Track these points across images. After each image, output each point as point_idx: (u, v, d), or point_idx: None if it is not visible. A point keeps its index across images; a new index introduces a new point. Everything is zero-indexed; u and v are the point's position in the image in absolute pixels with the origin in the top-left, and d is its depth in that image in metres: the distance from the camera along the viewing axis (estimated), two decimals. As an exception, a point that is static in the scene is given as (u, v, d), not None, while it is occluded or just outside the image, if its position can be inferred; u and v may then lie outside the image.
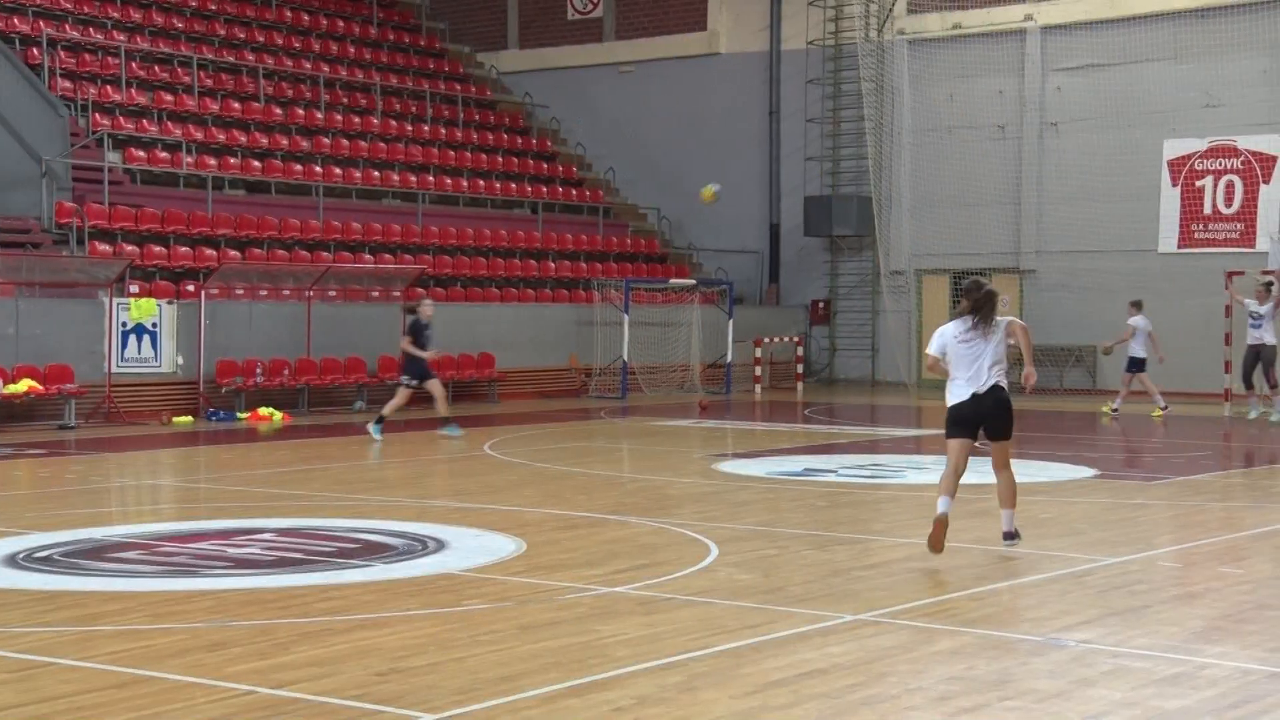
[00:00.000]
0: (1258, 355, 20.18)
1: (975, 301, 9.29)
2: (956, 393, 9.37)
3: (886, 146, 28.63)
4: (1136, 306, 21.72)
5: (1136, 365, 21.51)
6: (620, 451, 16.97)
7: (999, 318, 9.31)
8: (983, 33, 27.71)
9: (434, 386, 17.67)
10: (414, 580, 8.37)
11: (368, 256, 24.60)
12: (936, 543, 9.08)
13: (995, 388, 9.31)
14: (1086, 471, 14.24)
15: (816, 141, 30.18)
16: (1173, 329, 25.00)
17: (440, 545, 9.58)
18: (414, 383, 17.47)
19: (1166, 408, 21.20)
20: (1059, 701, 5.80)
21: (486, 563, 8.95)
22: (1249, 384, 20.28)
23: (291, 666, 6.24)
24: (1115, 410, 21.51)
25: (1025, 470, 14.68)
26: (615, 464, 15.55)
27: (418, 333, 17.47)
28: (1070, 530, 10.54)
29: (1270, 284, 20.67)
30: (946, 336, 9.41)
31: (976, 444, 9.56)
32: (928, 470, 14.78)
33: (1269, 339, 20.18)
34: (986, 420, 9.35)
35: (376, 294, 23.51)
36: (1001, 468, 9.48)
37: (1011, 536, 9.47)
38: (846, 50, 29.43)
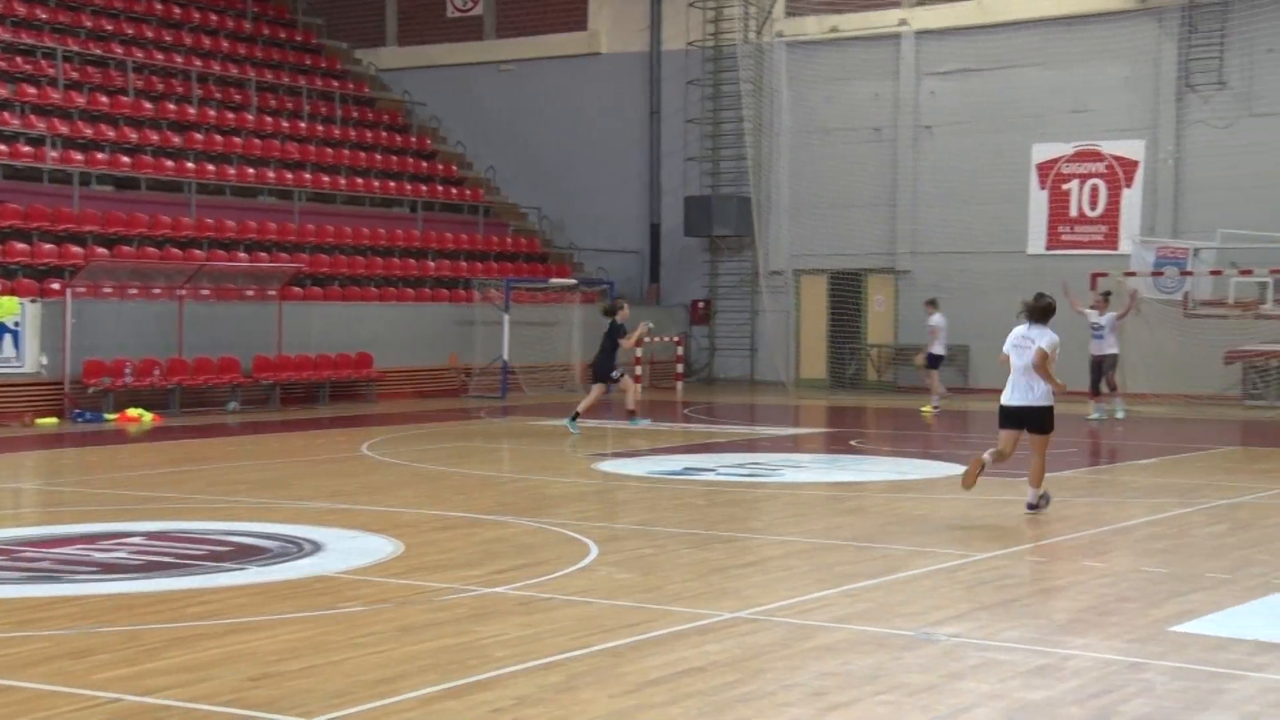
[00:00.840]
0: (1100, 365, 20.64)
1: (1029, 311, 10.99)
2: (1005, 392, 11.14)
3: (766, 147, 28.93)
4: (933, 305, 22.29)
5: (934, 362, 22.26)
6: (500, 451, 16.89)
7: (1041, 328, 10.96)
8: (859, 36, 28.13)
9: (626, 382, 19.25)
10: (289, 583, 8.25)
11: (242, 255, 24.17)
12: (969, 478, 11.16)
13: (1026, 400, 11.01)
14: (958, 469, 14.50)
15: (697, 142, 30.36)
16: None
17: (316, 547, 9.46)
18: (617, 375, 18.74)
19: (938, 406, 21.89)
20: (929, 695, 5.93)
21: (364, 564, 8.85)
22: (1097, 390, 20.75)
23: (161, 672, 6.11)
24: (936, 407, 21.95)
25: (900, 468, 14.97)
26: (495, 464, 15.47)
27: (616, 334, 18.72)
28: (943, 526, 10.76)
29: (1109, 293, 21.26)
30: (1011, 338, 11.16)
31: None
32: (805, 469, 14.96)
33: (1109, 349, 20.58)
34: (1024, 420, 11.09)
35: (251, 293, 23.12)
36: (1035, 453, 11.13)
37: (1033, 507, 11.14)
38: (726, 51, 29.65)
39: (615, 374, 18.93)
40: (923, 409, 22.08)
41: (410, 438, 17.82)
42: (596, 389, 18.82)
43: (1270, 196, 24.31)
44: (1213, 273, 23.52)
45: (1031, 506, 11.13)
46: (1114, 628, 7.24)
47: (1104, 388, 20.72)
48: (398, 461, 14.95)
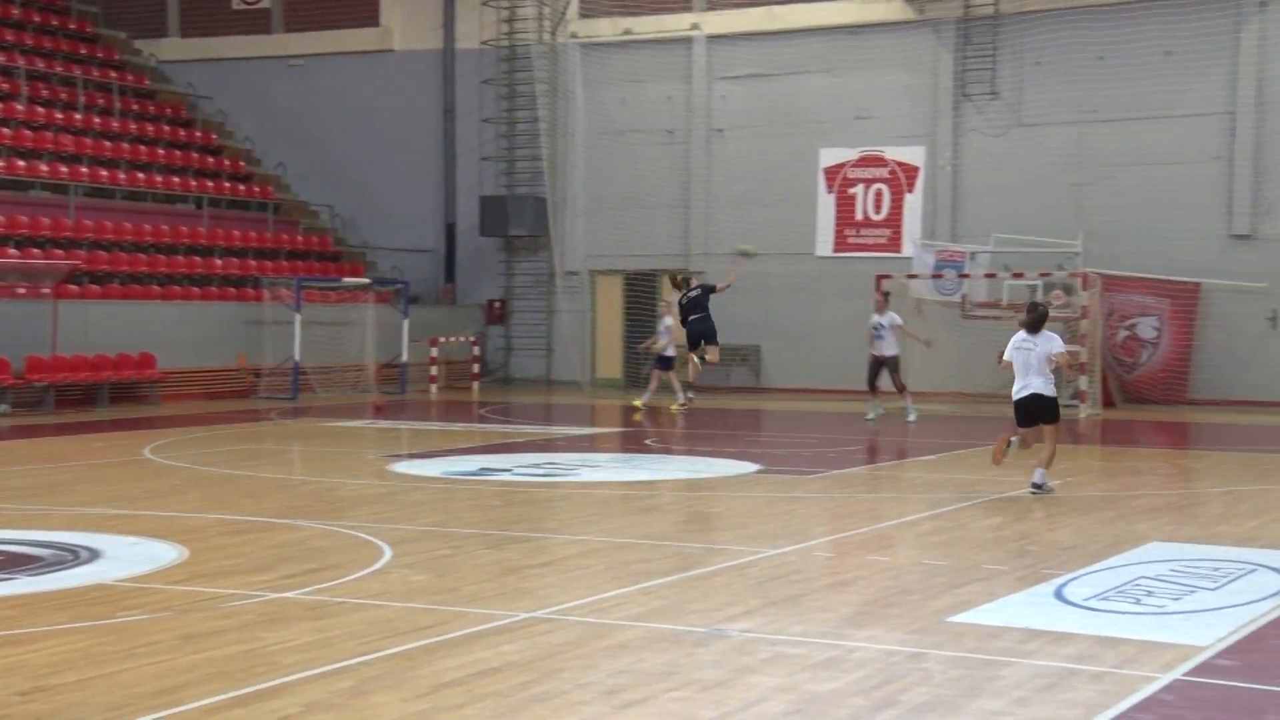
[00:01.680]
0: (881, 364, 21.05)
1: (1029, 324, 12.25)
2: (1016, 390, 12.34)
3: (561, 148, 28.99)
4: (669, 306, 22.47)
5: (665, 364, 22.69)
6: (291, 453, 16.60)
7: (1044, 334, 12.23)
8: (652, 39, 28.43)
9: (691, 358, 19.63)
10: (63, 592, 7.90)
11: (13, 251, 23.04)
12: (996, 455, 12.63)
13: (1035, 394, 12.19)
14: (750, 467, 14.82)
15: (492, 142, 30.24)
16: (827, 328, 26.40)
17: (94, 555, 9.08)
18: (705, 351, 19.15)
19: (686, 403, 22.08)
20: (721, 690, 6.02)
21: (145, 571, 8.54)
22: (873, 388, 21.20)
23: (-76, 693, 5.78)
24: (685, 404, 22.21)
25: (693, 466, 15.19)
26: (285, 466, 15.19)
27: (707, 296, 19.45)
28: (735, 524, 10.95)
29: (888, 294, 21.87)
30: (1012, 343, 12.33)
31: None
32: (601, 469, 15.05)
33: (889, 350, 20.98)
34: (1039, 412, 12.30)
35: (23, 291, 22.06)
36: (1049, 440, 12.34)
37: (1038, 487, 12.28)
38: (520, 51, 29.60)
39: (699, 351, 19.24)
40: (672, 407, 22.18)
41: (196, 440, 17.29)
42: (692, 364, 19.24)
43: (1038, 202, 25.39)
44: (987, 275, 24.44)
45: (1037, 486, 12.30)
46: (896, 620, 7.47)
47: (878, 386, 21.17)
48: (183, 465, 14.49)
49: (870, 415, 20.95)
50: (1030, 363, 12.17)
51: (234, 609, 7.49)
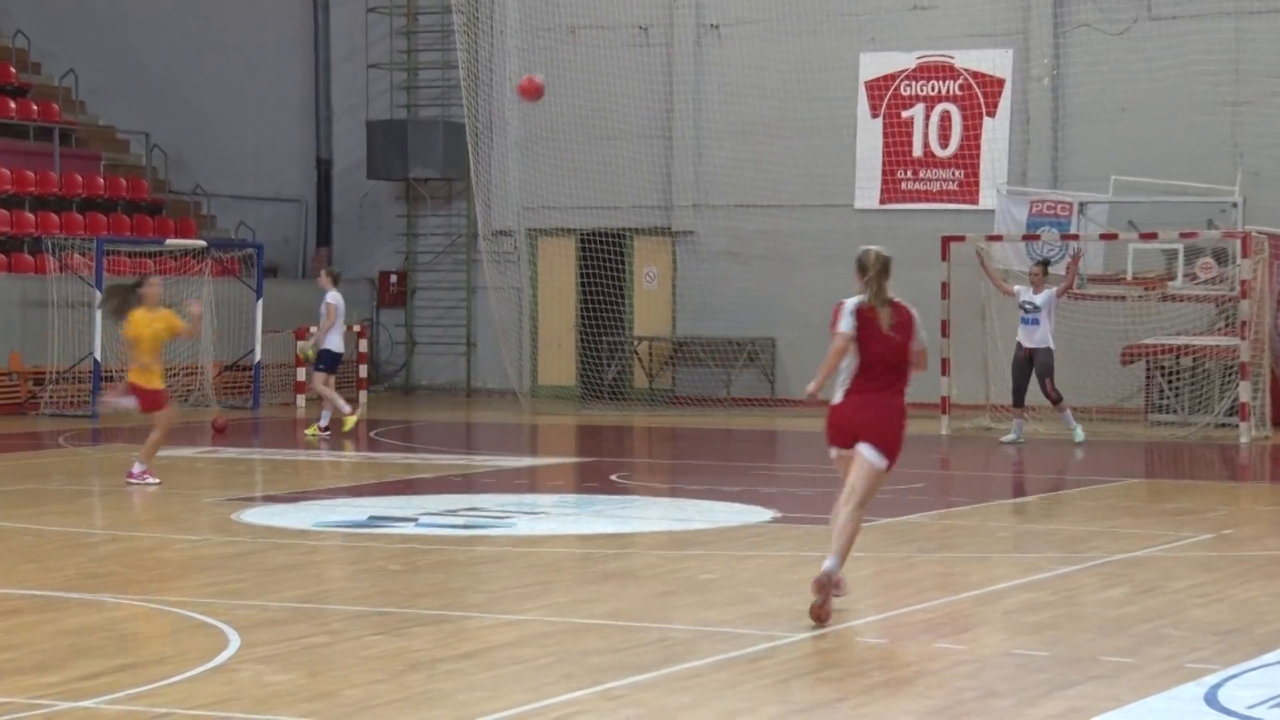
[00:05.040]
0: (1031, 362, 21.10)
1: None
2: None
3: (486, 51, 28.91)
4: (332, 279, 22.21)
5: (331, 362, 21.98)
6: (89, 496, 16.50)
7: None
8: (619, -105, 28.40)
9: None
10: None
11: None
12: None
13: None
14: (762, 514, 14.79)
15: (384, 41, 30.16)
16: (875, 314, 26.32)
17: None
18: None
19: (327, 429, 21.81)
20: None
21: (-122, 672, 8.47)
22: (1020, 401, 21.31)
23: None
24: (325, 429, 21.85)
25: (681, 513, 15.16)
26: (83, 516, 15.10)
27: None
28: (741, 596, 10.93)
29: (1046, 263, 21.88)
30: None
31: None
32: (547, 517, 15.01)
33: (1049, 340, 21.04)
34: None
35: None
36: None
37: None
38: (427, -90, 29.62)
39: None
40: (308, 431, 21.98)
41: (-49, 478, 17.21)
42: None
43: (1178, 130, 25.26)
44: (1104, 237, 24.50)
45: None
46: (979, 734, 7.46)
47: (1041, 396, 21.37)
48: (-68, 514, 14.40)
49: (1011, 437, 21.28)
50: None
51: (9, 724, 7.44)
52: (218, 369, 26.52)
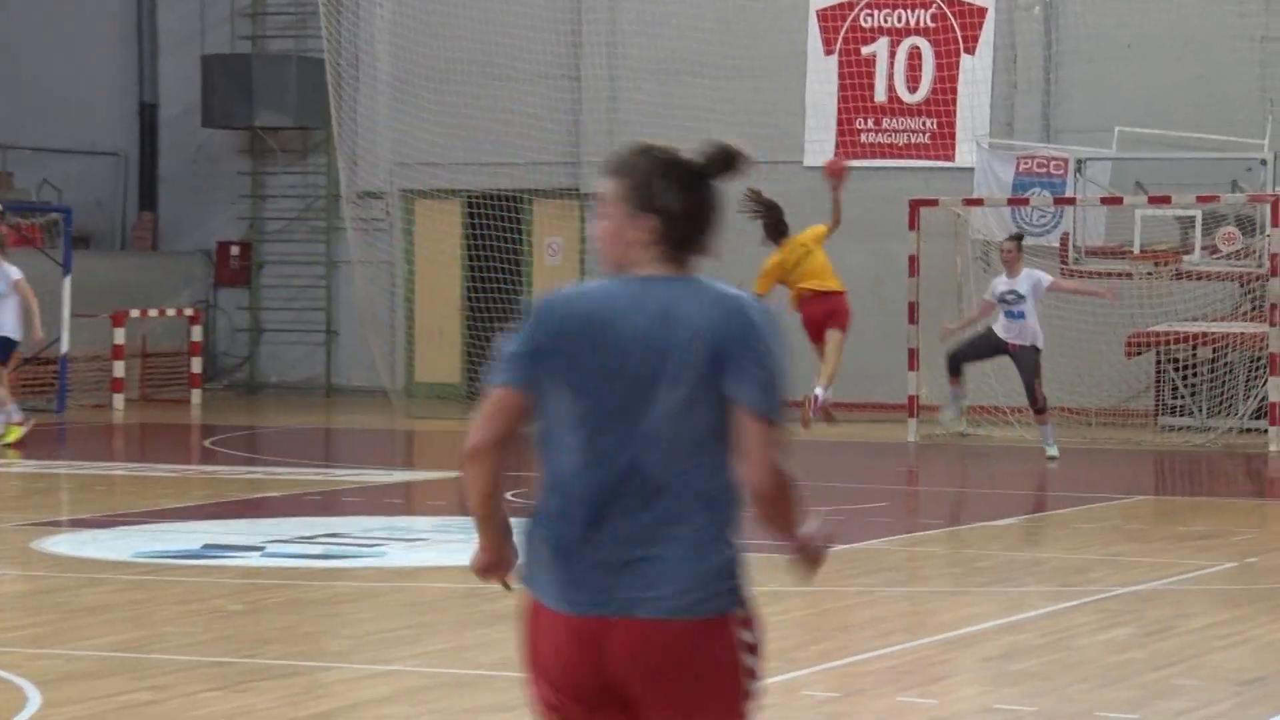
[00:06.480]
0: (1004, 350, 21.06)
1: None
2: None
3: (349, -29, 28.85)
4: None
5: (6, 348, 22.07)
6: None
7: None
8: None
9: None
10: None
11: None
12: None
13: None
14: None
15: (225, -42, 30.06)
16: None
17: None
18: None
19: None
20: None
21: None
22: (957, 369, 21.05)
23: None
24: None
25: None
26: None
27: None
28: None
29: (1020, 237, 21.70)
30: None
31: None
32: (427, 544, 15.02)
33: (1037, 338, 20.95)
34: None
35: None
36: None
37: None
38: None
39: None
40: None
41: None
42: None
43: (1194, 74, 25.44)
44: (1107, 201, 24.63)
45: None
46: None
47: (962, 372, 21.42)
48: None
49: (946, 415, 21.53)
50: None
51: None
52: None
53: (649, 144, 5.37)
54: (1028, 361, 20.96)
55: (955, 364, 21.18)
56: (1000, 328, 21.13)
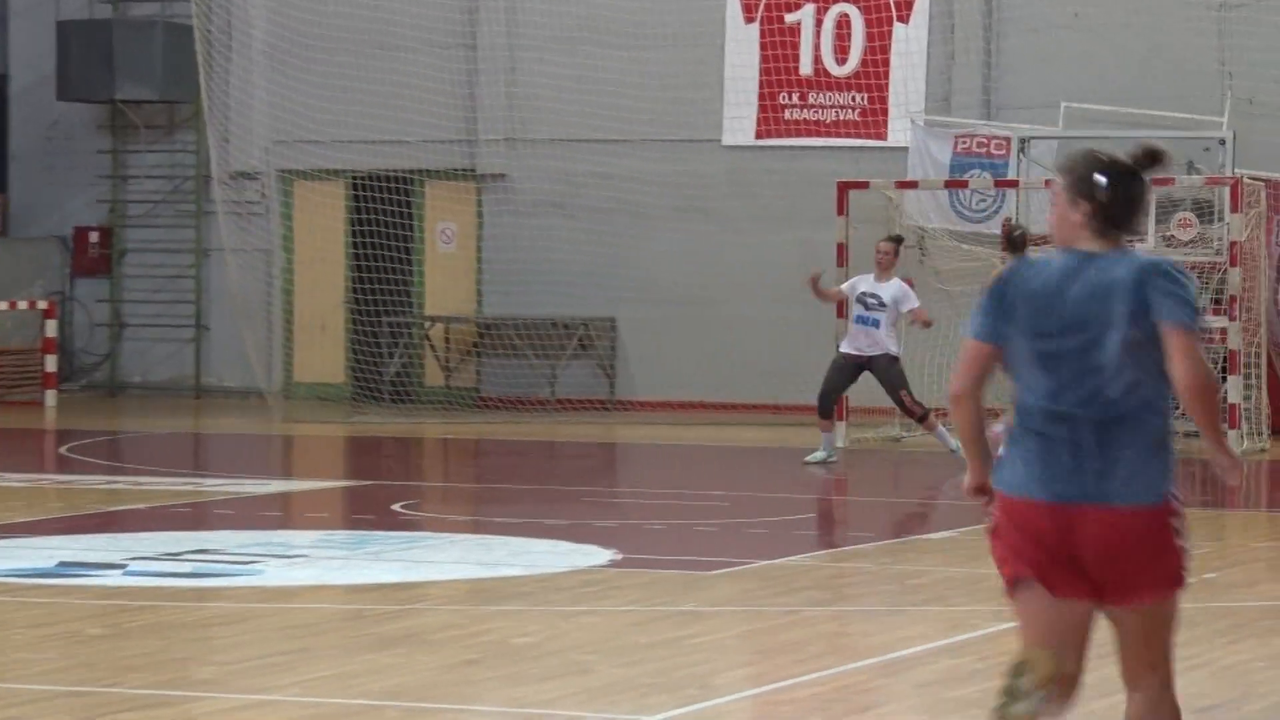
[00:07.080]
0: (858, 369, 21.11)
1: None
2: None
3: (221, -71, 28.78)
4: None
5: None
6: None
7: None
8: None
9: None
10: None
11: None
12: None
13: None
14: (598, 554, 14.79)
15: (83, -87, 29.95)
16: (746, 287, 26.45)
17: None
18: None
19: None
20: None
21: None
22: (829, 410, 20.97)
23: None
24: None
25: (489, 555, 15.20)
26: None
27: None
28: (569, 666, 10.93)
29: (900, 240, 21.83)
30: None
31: None
32: (306, 561, 15.00)
33: (882, 346, 21.00)
34: None
35: None
36: None
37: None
38: None
39: None
40: None
41: None
42: None
43: (1146, 47, 25.65)
44: (1052, 184, 24.74)
45: None
46: None
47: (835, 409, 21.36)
48: None
49: (819, 455, 21.23)
50: None
51: None
52: None
53: (1091, 148, 7.52)
54: (889, 372, 21.11)
55: (826, 405, 21.15)
56: (847, 341, 21.26)
